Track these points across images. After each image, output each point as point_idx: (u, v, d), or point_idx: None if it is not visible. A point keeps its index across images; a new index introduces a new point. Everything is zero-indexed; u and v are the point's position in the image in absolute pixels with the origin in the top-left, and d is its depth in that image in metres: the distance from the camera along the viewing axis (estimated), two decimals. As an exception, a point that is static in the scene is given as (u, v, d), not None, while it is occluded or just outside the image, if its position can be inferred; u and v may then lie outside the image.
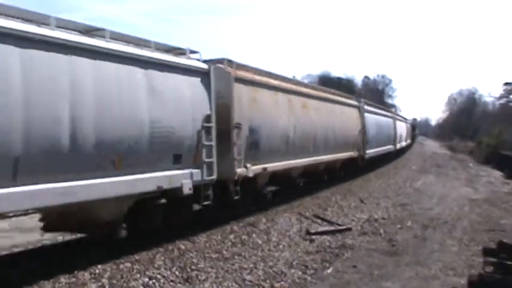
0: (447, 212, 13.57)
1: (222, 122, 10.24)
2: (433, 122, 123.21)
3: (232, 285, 7.01)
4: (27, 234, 10.22)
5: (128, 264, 7.50)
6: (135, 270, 7.26)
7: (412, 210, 13.91)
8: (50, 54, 6.63)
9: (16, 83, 6.07)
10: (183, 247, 8.72)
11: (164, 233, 9.21)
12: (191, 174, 9.19)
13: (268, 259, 8.37)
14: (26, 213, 7.17)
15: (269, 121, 12.52)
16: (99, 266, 7.26)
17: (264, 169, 12.13)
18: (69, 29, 7.34)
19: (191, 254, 8.31)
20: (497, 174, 27.15)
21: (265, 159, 12.20)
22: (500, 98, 62.38)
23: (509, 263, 6.22)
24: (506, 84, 57.34)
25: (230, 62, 11.28)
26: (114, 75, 7.64)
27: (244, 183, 11.26)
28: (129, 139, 7.70)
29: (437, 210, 13.80)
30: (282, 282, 7.26)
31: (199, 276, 7.24)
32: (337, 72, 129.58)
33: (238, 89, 11.14)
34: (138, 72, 8.14)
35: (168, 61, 9.02)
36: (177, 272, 7.34)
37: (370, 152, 23.90)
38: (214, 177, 9.86)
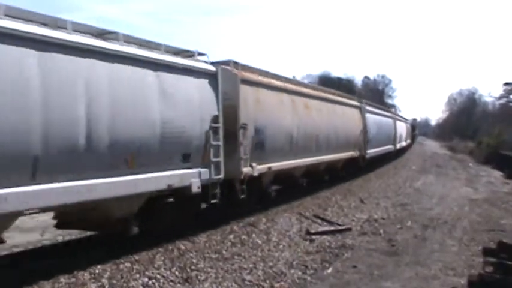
0: (447, 212, 13.56)
1: (229, 123, 10.52)
2: (433, 122, 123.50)
3: (232, 285, 7.02)
4: (27, 234, 10.24)
5: (128, 264, 7.51)
6: (134, 270, 7.27)
7: (412, 210, 13.90)
8: (67, 57, 6.88)
9: (35, 86, 6.29)
10: (182, 247, 8.72)
11: (164, 233, 9.22)
12: (199, 173, 9.45)
13: (268, 259, 8.37)
14: (41, 211, 7.42)
15: (274, 121, 12.82)
16: (98, 266, 7.27)
17: (269, 168, 12.40)
18: (84, 32, 7.57)
19: (191, 254, 8.32)
20: (497, 174, 27.14)
21: (270, 159, 12.48)
22: (500, 98, 62.44)
23: (509, 263, 6.21)
24: (506, 84, 57.35)
25: (236, 64, 11.58)
26: (127, 77, 7.90)
27: (250, 182, 11.53)
28: (141, 139, 7.96)
29: (437, 210, 13.79)
30: (282, 282, 7.27)
31: (199, 276, 7.24)
32: (337, 72, 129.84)
33: (244, 90, 11.42)
34: (150, 74, 8.41)
35: (178, 63, 9.28)
36: (176, 272, 7.35)
37: (371, 151, 24.18)
38: (221, 176, 10.13)
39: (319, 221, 11.92)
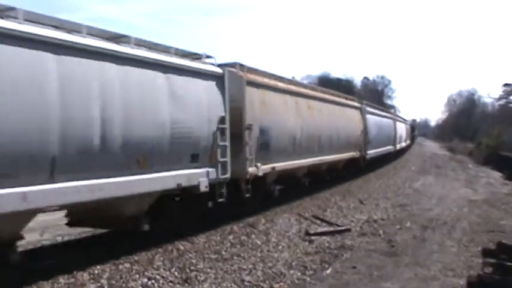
0: (446, 212, 13.55)
1: (235, 124, 10.76)
2: (433, 123, 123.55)
3: (231, 286, 7.01)
4: (27, 234, 10.19)
5: (127, 265, 7.52)
6: (134, 271, 7.27)
7: (411, 211, 13.89)
8: (83, 60, 7.10)
9: (54, 88, 6.52)
10: (182, 248, 8.73)
11: (163, 233, 9.23)
12: (207, 173, 9.70)
13: (267, 260, 8.37)
14: (58, 209, 7.91)
15: (278, 122, 13.09)
16: (98, 267, 7.28)
17: (273, 168, 12.64)
18: (97, 36, 7.79)
19: (190, 255, 8.32)
20: (497, 175, 27.10)
21: (274, 159, 12.73)
22: (500, 99, 62.59)
23: (509, 264, 6.21)
24: (506, 85, 57.51)
25: (242, 66, 11.86)
26: (139, 79, 8.14)
27: (254, 182, 11.77)
28: (152, 140, 8.20)
29: (437, 211, 13.78)
30: (281, 283, 7.25)
31: (198, 277, 7.24)
32: (336, 73, 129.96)
33: (250, 92, 11.68)
34: (160, 76, 8.64)
35: (187, 66, 9.52)
36: (176, 273, 7.35)
37: (371, 152, 24.41)
38: (228, 175, 10.37)
39: (318, 221, 11.93)
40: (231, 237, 9.78)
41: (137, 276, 7.08)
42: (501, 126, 46.27)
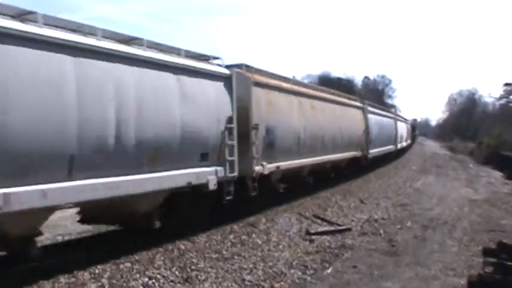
0: (447, 212, 13.56)
1: (242, 123, 11.02)
2: (433, 123, 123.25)
3: (232, 285, 7.01)
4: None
5: (128, 264, 7.52)
6: (134, 270, 7.28)
7: (412, 210, 13.89)
8: (99, 62, 7.36)
9: (72, 89, 6.78)
10: (182, 247, 8.73)
11: (164, 232, 9.24)
12: (216, 171, 9.95)
13: (268, 259, 8.37)
14: (74, 206, 8.04)
15: (283, 122, 13.35)
16: (98, 266, 7.28)
17: (278, 167, 12.87)
18: (111, 38, 8.03)
19: (191, 254, 8.33)
20: (497, 174, 27.03)
21: (279, 158, 12.97)
22: (500, 98, 62.41)
23: (509, 263, 6.21)
24: (506, 84, 57.35)
25: (248, 67, 12.17)
26: (151, 81, 8.39)
27: (260, 180, 11.96)
28: (164, 139, 8.46)
29: (437, 211, 13.78)
30: (282, 283, 7.26)
31: (199, 276, 7.25)
32: (337, 72, 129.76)
33: (256, 93, 11.93)
34: (171, 78, 8.91)
35: (197, 67, 9.77)
36: (176, 272, 7.36)
37: (373, 151, 24.53)
38: (235, 174, 10.63)
39: (319, 221, 11.93)
40: (231, 236, 9.79)
41: (138, 275, 7.09)
42: (502, 126, 46.19)
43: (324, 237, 10.21)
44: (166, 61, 8.86)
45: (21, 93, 6.13)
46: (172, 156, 8.69)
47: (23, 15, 6.61)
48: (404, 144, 43.56)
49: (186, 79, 9.24)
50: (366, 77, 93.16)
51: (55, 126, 6.52)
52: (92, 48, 7.26)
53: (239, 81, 11.07)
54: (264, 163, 12.03)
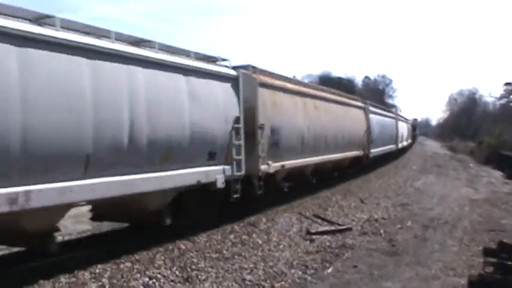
0: (447, 212, 13.55)
1: (248, 123, 11.29)
2: (434, 122, 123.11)
3: (232, 285, 7.01)
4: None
5: (128, 264, 7.52)
6: (135, 270, 7.28)
7: (412, 210, 13.88)
8: (113, 64, 7.60)
9: (88, 90, 7.02)
10: (183, 247, 8.73)
11: (164, 232, 9.24)
12: (223, 170, 10.23)
13: (268, 259, 8.37)
14: (89, 203, 8.38)
15: (288, 122, 13.66)
16: (99, 266, 7.29)
17: (282, 166, 13.16)
18: (123, 41, 8.25)
19: (191, 254, 8.33)
20: (498, 174, 27.01)
21: (284, 157, 13.25)
22: (501, 98, 62.36)
23: (510, 263, 6.18)
24: (507, 84, 57.29)
25: (254, 68, 12.46)
26: (162, 82, 8.65)
27: (265, 179, 12.21)
28: (175, 139, 8.72)
29: (438, 210, 13.78)
30: (282, 282, 7.25)
31: (200, 276, 7.24)
32: (337, 72, 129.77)
33: (262, 93, 12.22)
34: (181, 79, 9.16)
35: (205, 69, 10.05)
36: (177, 272, 7.36)
37: (374, 151, 24.79)
38: (242, 172, 10.91)
39: (319, 220, 11.92)
40: (232, 236, 9.78)
41: (138, 275, 7.09)
42: (502, 126, 46.12)
43: (325, 237, 10.21)
44: (176, 63, 9.11)
45: (41, 96, 6.35)
46: (183, 155, 8.94)
47: (40, 19, 6.82)
48: (405, 143, 43.63)
49: (195, 80, 9.49)
50: (366, 77, 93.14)
51: (73, 127, 6.77)
52: (107, 51, 7.50)
53: (246, 82, 11.36)
54: (270, 162, 12.31)
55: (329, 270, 7.92)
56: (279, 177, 13.52)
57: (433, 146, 70.98)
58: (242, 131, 10.85)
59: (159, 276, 7.11)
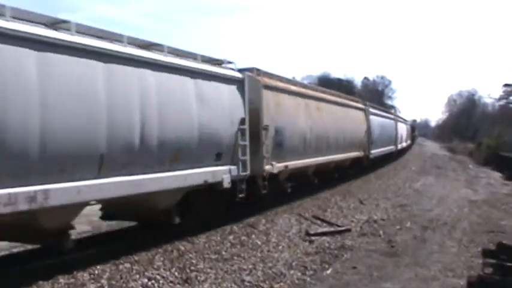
0: (447, 213, 13.55)
1: (253, 124, 11.51)
2: (433, 123, 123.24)
3: (231, 286, 7.01)
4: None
5: (127, 265, 7.51)
6: (134, 271, 7.27)
7: (411, 211, 13.89)
8: (126, 68, 7.82)
9: (102, 92, 7.22)
10: (182, 248, 8.73)
11: (163, 233, 9.23)
12: (230, 170, 10.46)
13: (267, 260, 8.36)
14: (100, 202, 8.49)
15: (291, 123, 13.94)
16: (98, 267, 7.27)
17: (286, 167, 13.41)
18: (135, 45, 8.48)
19: (190, 255, 8.31)
20: (497, 175, 27.04)
21: (287, 158, 13.52)
22: (500, 99, 62.51)
23: (509, 264, 6.22)
24: (506, 85, 57.42)
25: (258, 71, 12.76)
26: (171, 85, 8.88)
27: (269, 179, 12.40)
28: (183, 140, 8.95)
29: (437, 212, 13.79)
30: (281, 283, 7.25)
31: (199, 277, 7.24)
32: (336, 73, 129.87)
33: (266, 95, 12.50)
34: (189, 82, 9.40)
35: (212, 72, 10.30)
36: (176, 273, 7.35)
37: (375, 152, 25.07)
38: (248, 172, 11.13)
39: (318, 222, 11.92)
40: (231, 237, 9.78)
41: (137, 276, 7.07)
42: (501, 127, 46.22)
43: (324, 238, 10.20)
44: (185, 66, 9.34)
45: (59, 99, 6.57)
46: (191, 156, 9.19)
47: (56, 24, 7.02)
48: (404, 144, 43.71)
49: (202, 83, 9.73)
50: (365, 78, 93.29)
51: (88, 129, 7.00)
52: (120, 55, 7.74)
53: (251, 84, 11.60)
54: (274, 162, 12.55)
55: (328, 271, 7.92)
56: (282, 178, 13.70)
57: (432, 147, 70.98)
58: (247, 132, 11.08)
59: (158, 277, 7.10)
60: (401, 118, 51.91)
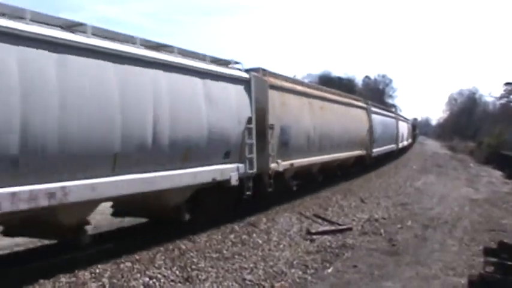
0: (448, 211, 13.57)
1: (259, 123, 11.74)
2: (434, 122, 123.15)
3: (232, 285, 7.02)
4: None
5: (129, 264, 7.51)
6: (135, 270, 7.27)
7: (412, 209, 13.91)
8: (139, 69, 8.05)
9: (116, 93, 7.44)
10: (183, 247, 8.73)
11: (164, 232, 9.24)
12: (237, 168, 10.72)
13: (268, 259, 8.37)
14: (114, 200, 8.69)
15: (296, 122, 14.19)
16: (99, 266, 7.27)
17: (291, 164, 13.67)
18: (146, 46, 8.71)
19: (191, 254, 8.32)
20: (498, 174, 27.09)
21: (292, 156, 13.77)
22: (501, 98, 62.42)
23: (510, 263, 6.20)
24: (507, 84, 57.34)
25: (264, 71, 13.01)
26: (182, 85, 9.10)
27: (274, 177, 12.60)
28: (193, 139, 9.19)
29: (438, 210, 13.81)
30: (283, 282, 7.26)
31: (200, 276, 7.24)
32: (337, 71, 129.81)
33: (272, 94, 12.75)
34: (198, 82, 9.63)
35: (220, 72, 10.52)
36: (177, 272, 7.35)
37: (376, 150, 25.20)
38: (254, 170, 11.36)
39: (319, 220, 11.92)
40: (232, 236, 9.78)
41: (138, 275, 7.08)
42: (502, 125, 46.17)
43: (325, 236, 10.21)
44: (195, 67, 9.57)
45: (77, 100, 6.80)
46: (201, 154, 9.43)
47: (73, 27, 7.24)
48: (405, 143, 43.74)
49: (211, 83, 9.97)
50: (366, 77, 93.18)
51: (104, 128, 7.21)
52: (134, 57, 7.96)
53: (257, 84, 11.81)
54: (279, 161, 12.77)
55: (329, 270, 7.93)
56: (287, 176, 13.90)
57: (433, 145, 70.94)
58: (254, 131, 11.30)
59: (159, 276, 7.11)
60: (402, 117, 51.91)
